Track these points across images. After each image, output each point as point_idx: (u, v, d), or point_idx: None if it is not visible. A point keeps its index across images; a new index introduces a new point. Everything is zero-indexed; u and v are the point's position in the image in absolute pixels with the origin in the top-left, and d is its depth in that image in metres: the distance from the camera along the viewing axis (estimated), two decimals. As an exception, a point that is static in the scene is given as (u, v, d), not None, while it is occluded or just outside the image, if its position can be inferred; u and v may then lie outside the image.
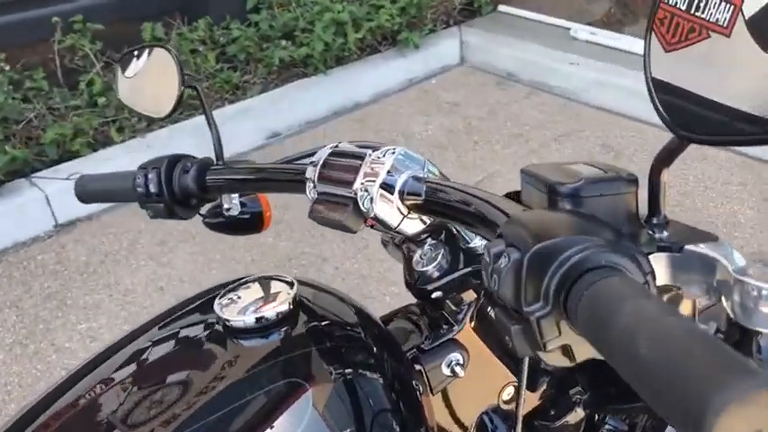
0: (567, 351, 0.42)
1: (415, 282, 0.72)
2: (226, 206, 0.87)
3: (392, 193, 0.61)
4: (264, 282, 0.71)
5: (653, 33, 0.45)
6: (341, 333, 0.70)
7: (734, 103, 0.39)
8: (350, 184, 0.63)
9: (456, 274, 0.71)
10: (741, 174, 2.84)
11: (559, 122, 3.36)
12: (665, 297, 0.49)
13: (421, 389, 0.70)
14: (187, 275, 2.50)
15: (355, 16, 3.64)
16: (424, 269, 0.71)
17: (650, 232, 0.49)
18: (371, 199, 0.61)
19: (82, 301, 2.42)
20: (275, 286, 0.70)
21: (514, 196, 0.57)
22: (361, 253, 2.51)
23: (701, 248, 0.46)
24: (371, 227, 0.64)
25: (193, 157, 0.85)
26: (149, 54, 0.92)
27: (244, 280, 0.72)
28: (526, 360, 0.64)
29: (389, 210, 0.61)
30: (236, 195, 0.87)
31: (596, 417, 0.81)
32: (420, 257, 0.72)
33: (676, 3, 0.44)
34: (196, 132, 2.89)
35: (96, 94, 3.14)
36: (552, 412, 0.75)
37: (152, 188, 0.83)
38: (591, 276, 0.39)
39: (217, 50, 3.57)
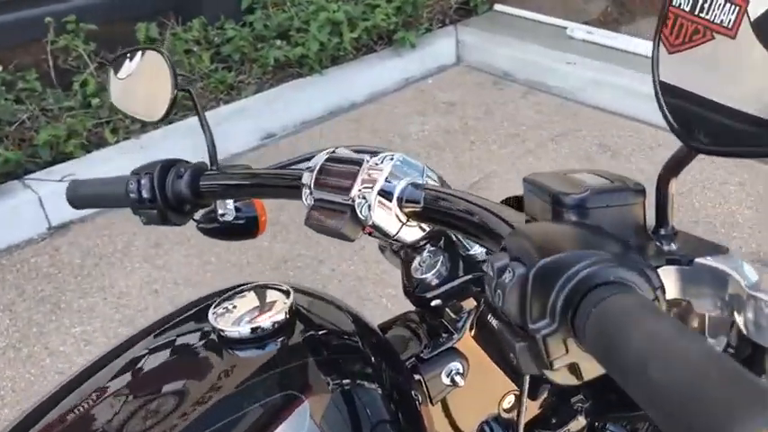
0: (574, 369, 0.41)
1: (414, 289, 0.71)
2: (220, 211, 0.86)
3: (390, 201, 0.59)
4: (260, 290, 0.69)
5: (661, 35, 0.44)
6: (338, 343, 0.69)
7: (740, 107, 0.38)
8: (347, 190, 0.61)
9: (456, 282, 0.70)
10: (739, 173, 2.83)
11: (556, 122, 3.35)
12: (675, 311, 0.48)
13: (420, 399, 0.69)
14: (182, 278, 2.49)
15: (351, 16, 3.63)
16: (423, 276, 0.70)
17: (658, 244, 0.47)
18: (369, 206, 0.60)
19: (76, 305, 2.40)
20: (271, 295, 0.69)
21: (513, 202, 0.56)
22: (358, 255, 2.49)
23: (712, 262, 0.44)
24: (369, 234, 0.63)
25: (187, 162, 0.84)
26: (142, 56, 0.91)
27: (239, 288, 0.70)
28: None
29: (388, 217, 0.60)
30: (231, 200, 0.86)
31: (597, 424, 0.80)
32: (419, 264, 0.71)
33: (680, 4, 0.43)
34: (191, 133, 2.86)
35: (90, 95, 3.12)
36: (553, 420, 0.74)
37: (145, 194, 0.82)
38: (599, 292, 0.37)
39: (211, 50, 3.55)
